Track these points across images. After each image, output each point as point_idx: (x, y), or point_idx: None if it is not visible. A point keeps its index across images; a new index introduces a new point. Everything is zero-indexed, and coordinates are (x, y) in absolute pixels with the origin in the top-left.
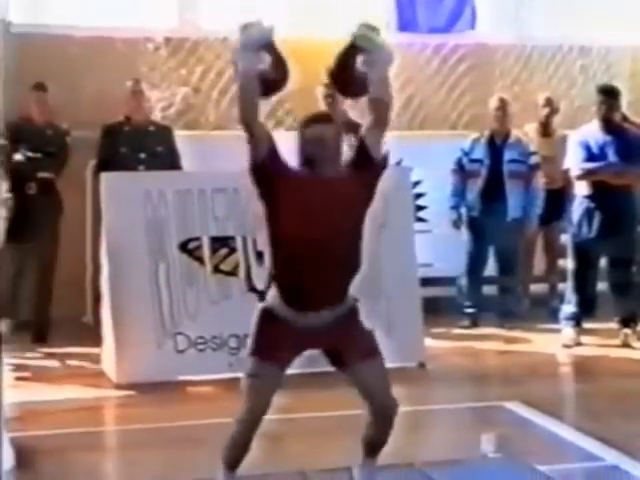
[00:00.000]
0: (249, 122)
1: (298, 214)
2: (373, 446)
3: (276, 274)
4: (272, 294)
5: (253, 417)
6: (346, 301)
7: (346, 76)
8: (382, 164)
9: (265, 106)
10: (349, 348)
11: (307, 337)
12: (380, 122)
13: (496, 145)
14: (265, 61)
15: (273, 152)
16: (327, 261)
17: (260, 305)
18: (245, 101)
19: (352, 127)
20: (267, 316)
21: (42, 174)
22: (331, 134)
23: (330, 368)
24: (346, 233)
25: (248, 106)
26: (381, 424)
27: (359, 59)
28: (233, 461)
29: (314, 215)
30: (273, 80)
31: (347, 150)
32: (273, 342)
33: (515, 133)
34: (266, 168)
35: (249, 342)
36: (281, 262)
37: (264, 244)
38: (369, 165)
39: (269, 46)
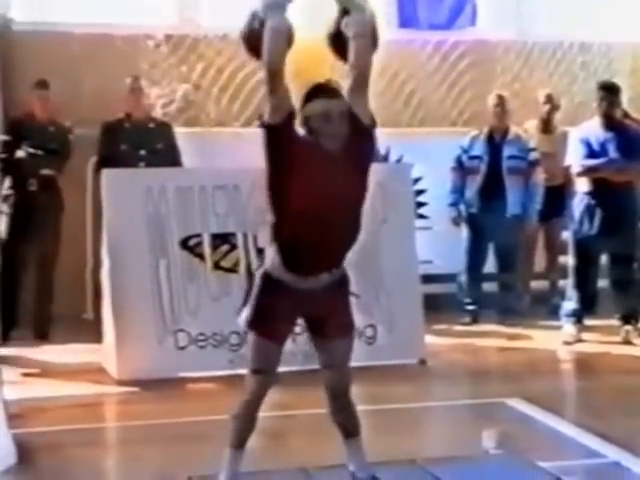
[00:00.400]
0: (276, 72)
1: (305, 183)
2: (343, 423)
3: (278, 239)
4: (272, 257)
5: (260, 384)
6: (342, 266)
7: (339, 40)
8: (372, 126)
9: (266, 101)
10: (334, 321)
11: (302, 303)
12: (360, 82)
13: (495, 142)
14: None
15: (291, 117)
16: (330, 228)
17: (260, 270)
18: (274, 53)
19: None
20: (267, 282)
21: (44, 171)
22: (336, 111)
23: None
24: (349, 201)
25: (277, 58)
26: (337, 396)
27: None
28: (238, 437)
29: (320, 184)
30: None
31: None
32: (272, 315)
33: (514, 129)
34: (281, 133)
35: (249, 310)
36: (285, 228)
37: (265, 241)
38: (361, 132)
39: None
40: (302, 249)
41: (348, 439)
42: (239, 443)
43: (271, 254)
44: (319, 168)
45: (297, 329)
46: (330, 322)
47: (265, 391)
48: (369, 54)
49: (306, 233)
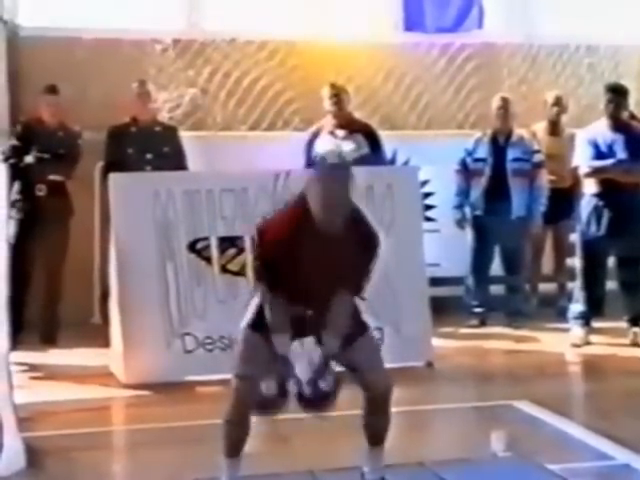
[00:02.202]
0: None
1: (297, 268)
2: (374, 433)
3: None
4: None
5: (244, 391)
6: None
7: None
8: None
9: (273, 107)
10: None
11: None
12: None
13: (499, 144)
14: None
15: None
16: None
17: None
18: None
19: (358, 127)
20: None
21: (53, 177)
22: (336, 199)
23: (338, 369)
24: (336, 281)
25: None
26: (374, 405)
27: None
28: (232, 446)
29: (311, 267)
30: None
31: (355, 147)
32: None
33: (518, 131)
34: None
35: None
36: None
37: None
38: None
39: None
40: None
41: (372, 447)
42: (233, 452)
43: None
44: (312, 253)
45: None
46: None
47: (251, 398)
48: None
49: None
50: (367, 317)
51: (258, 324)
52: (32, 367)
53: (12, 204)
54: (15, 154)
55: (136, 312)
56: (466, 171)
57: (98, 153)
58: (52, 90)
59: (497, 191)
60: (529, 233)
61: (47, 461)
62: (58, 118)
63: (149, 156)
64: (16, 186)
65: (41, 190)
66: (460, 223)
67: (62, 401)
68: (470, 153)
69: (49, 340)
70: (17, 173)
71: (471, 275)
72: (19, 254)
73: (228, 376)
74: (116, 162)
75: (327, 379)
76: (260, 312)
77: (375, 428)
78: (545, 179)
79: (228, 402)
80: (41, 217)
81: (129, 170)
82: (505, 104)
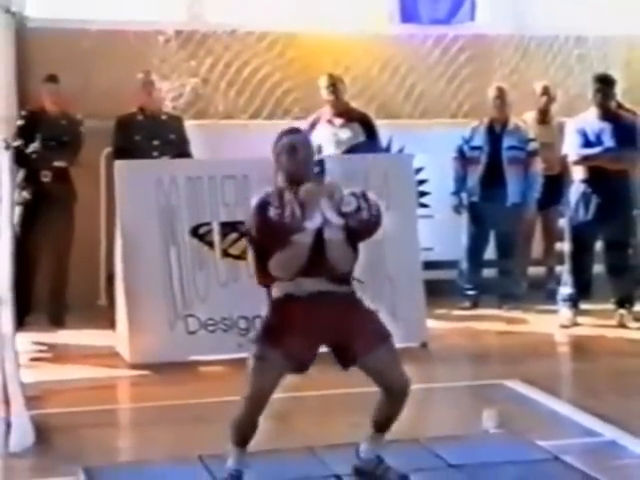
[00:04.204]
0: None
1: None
2: (383, 424)
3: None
4: (273, 291)
5: (257, 399)
6: (347, 284)
7: None
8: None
9: (273, 96)
10: (358, 338)
11: (316, 326)
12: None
13: (495, 132)
14: None
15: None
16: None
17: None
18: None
19: (355, 115)
20: (277, 307)
21: (57, 163)
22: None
23: None
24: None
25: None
26: (393, 403)
27: None
28: (241, 440)
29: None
30: None
31: (352, 135)
32: (281, 330)
33: (514, 120)
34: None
35: (257, 331)
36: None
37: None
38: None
39: None
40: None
41: (377, 432)
42: (242, 443)
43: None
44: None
45: None
46: (355, 343)
47: (261, 410)
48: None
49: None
50: (369, 303)
51: (266, 335)
52: (41, 348)
53: (18, 189)
54: (21, 137)
55: (141, 295)
56: (463, 158)
57: (103, 140)
58: (52, 79)
59: (493, 178)
60: (523, 219)
61: (55, 438)
62: (60, 106)
63: (156, 143)
64: (21, 173)
65: (46, 176)
66: (457, 209)
67: (70, 380)
68: (467, 141)
69: (57, 322)
70: (22, 160)
71: (466, 259)
72: (26, 239)
73: (230, 356)
74: (124, 149)
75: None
76: (268, 326)
77: (386, 420)
78: (540, 167)
79: (240, 407)
80: (46, 202)
81: (137, 156)
82: (501, 94)
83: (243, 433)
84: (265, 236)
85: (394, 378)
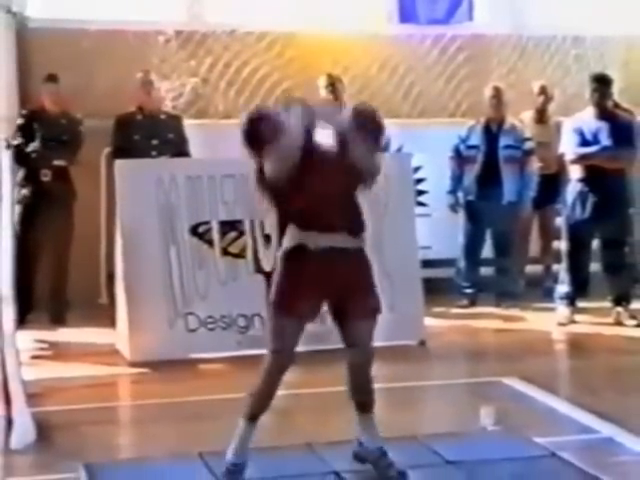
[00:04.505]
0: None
1: (303, 185)
2: (361, 400)
3: (287, 221)
4: (286, 239)
5: (278, 365)
6: (357, 239)
7: None
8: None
9: (272, 96)
10: (357, 303)
11: (324, 280)
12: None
13: (492, 132)
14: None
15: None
16: (330, 207)
17: (279, 252)
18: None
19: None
20: (288, 258)
21: (57, 162)
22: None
23: (335, 346)
24: (341, 195)
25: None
26: (359, 370)
27: None
28: (255, 410)
29: (317, 184)
30: None
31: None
32: (293, 292)
33: (510, 120)
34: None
35: (272, 290)
36: (289, 215)
37: (271, 226)
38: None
39: None
40: (309, 218)
41: (362, 415)
42: (253, 417)
43: (286, 238)
44: (316, 169)
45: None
46: (353, 303)
47: (283, 371)
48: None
49: (309, 214)
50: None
51: (280, 298)
52: (42, 345)
53: (18, 188)
54: (21, 135)
55: (141, 293)
56: (459, 157)
57: (103, 140)
58: (53, 79)
59: (489, 177)
60: (519, 217)
61: (56, 435)
62: (59, 106)
63: (155, 142)
64: (21, 172)
65: (46, 175)
66: (453, 207)
67: (70, 377)
68: (464, 140)
69: (58, 320)
70: (22, 159)
71: (463, 257)
72: (26, 237)
73: (229, 354)
74: (123, 148)
75: None
76: (280, 285)
77: (361, 393)
78: (535, 166)
79: (259, 377)
80: (46, 201)
81: (136, 156)
82: (498, 93)
83: (259, 404)
84: (259, 128)
85: (367, 347)
